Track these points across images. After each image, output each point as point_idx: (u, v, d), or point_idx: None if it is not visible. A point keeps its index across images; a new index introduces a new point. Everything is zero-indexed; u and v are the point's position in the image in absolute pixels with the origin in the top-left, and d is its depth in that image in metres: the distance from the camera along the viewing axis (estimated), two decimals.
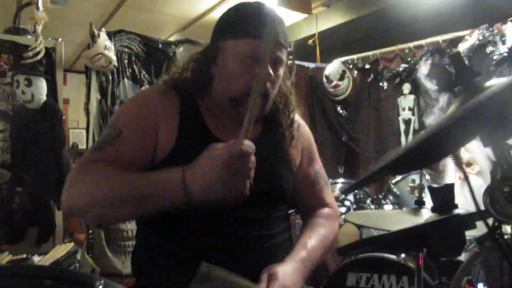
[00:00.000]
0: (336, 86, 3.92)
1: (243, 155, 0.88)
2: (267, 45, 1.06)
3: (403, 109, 3.55)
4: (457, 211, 1.05)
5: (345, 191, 2.98)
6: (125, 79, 3.02)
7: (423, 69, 3.37)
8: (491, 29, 2.97)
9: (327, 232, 1.22)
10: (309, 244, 1.15)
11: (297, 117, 1.30)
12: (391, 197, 2.91)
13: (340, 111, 4.03)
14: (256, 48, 1.07)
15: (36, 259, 2.06)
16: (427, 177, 2.80)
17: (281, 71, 1.15)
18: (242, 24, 1.09)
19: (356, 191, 3.06)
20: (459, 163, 0.82)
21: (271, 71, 1.09)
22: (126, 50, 3.04)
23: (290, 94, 1.26)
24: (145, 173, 1.00)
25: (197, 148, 1.06)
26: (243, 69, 1.09)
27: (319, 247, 1.16)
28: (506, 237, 0.82)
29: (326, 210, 1.28)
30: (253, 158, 0.90)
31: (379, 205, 2.86)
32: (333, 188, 3.15)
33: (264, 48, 1.05)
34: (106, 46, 2.80)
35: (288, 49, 1.19)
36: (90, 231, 2.71)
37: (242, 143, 0.89)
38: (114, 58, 2.86)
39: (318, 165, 1.32)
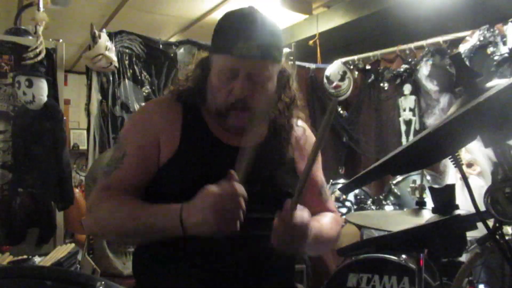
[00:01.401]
0: (337, 86, 3.91)
1: (233, 197, 0.95)
2: (244, 61, 1.07)
3: (404, 110, 3.55)
4: (458, 212, 1.05)
5: (344, 188, 2.97)
6: (126, 80, 3.02)
7: (424, 69, 3.37)
8: (492, 29, 2.96)
9: (333, 226, 1.23)
10: (320, 223, 1.17)
11: (304, 124, 1.32)
12: (392, 198, 2.90)
13: (341, 112, 4.02)
14: (231, 65, 1.08)
15: (37, 260, 2.06)
16: (428, 177, 2.79)
17: (269, 84, 1.13)
18: (222, 39, 1.11)
19: (356, 191, 3.05)
20: (458, 164, 0.82)
21: (244, 86, 1.08)
22: (127, 51, 3.04)
23: (295, 98, 1.25)
24: (149, 208, 1.07)
25: (201, 149, 1.11)
26: (221, 83, 1.11)
27: (326, 231, 1.19)
28: (507, 238, 0.82)
29: (330, 213, 1.30)
30: (243, 198, 0.96)
31: (380, 205, 2.85)
32: (333, 189, 3.15)
33: (241, 64, 1.07)
34: (107, 47, 2.80)
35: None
36: None
37: (233, 186, 0.95)
38: (115, 59, 2.86)
39: (322, 175, 1.34)
